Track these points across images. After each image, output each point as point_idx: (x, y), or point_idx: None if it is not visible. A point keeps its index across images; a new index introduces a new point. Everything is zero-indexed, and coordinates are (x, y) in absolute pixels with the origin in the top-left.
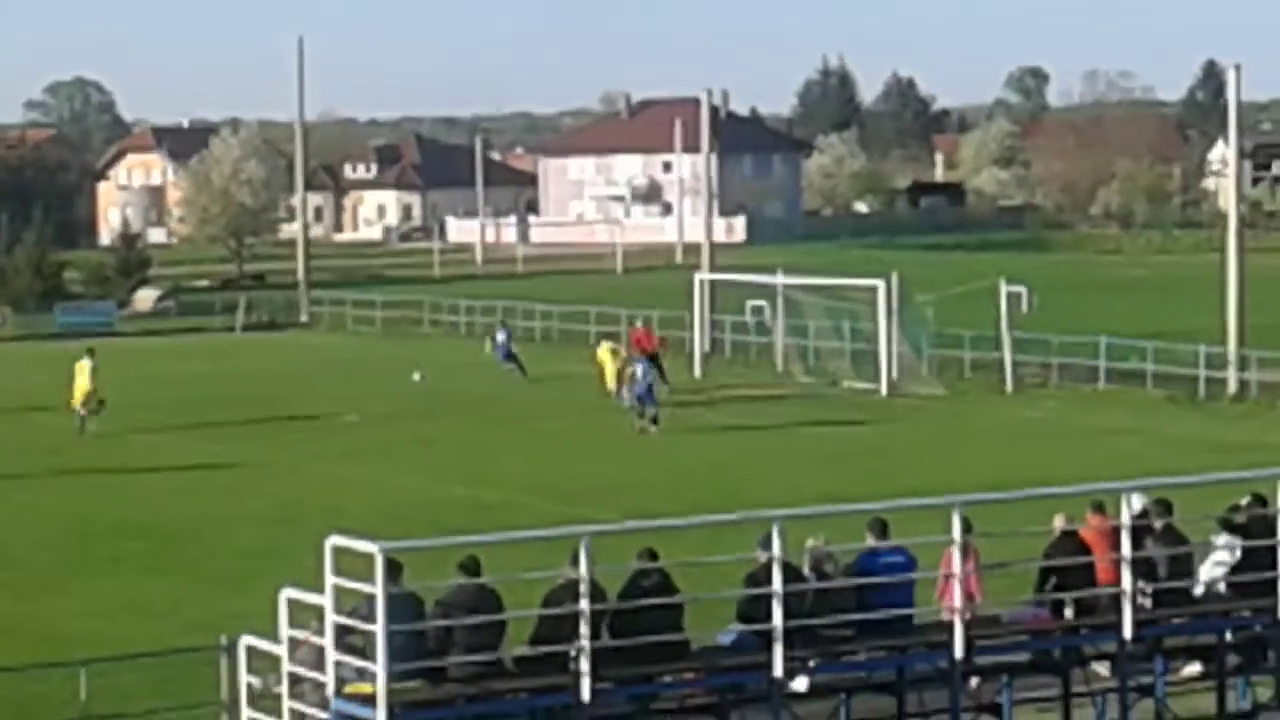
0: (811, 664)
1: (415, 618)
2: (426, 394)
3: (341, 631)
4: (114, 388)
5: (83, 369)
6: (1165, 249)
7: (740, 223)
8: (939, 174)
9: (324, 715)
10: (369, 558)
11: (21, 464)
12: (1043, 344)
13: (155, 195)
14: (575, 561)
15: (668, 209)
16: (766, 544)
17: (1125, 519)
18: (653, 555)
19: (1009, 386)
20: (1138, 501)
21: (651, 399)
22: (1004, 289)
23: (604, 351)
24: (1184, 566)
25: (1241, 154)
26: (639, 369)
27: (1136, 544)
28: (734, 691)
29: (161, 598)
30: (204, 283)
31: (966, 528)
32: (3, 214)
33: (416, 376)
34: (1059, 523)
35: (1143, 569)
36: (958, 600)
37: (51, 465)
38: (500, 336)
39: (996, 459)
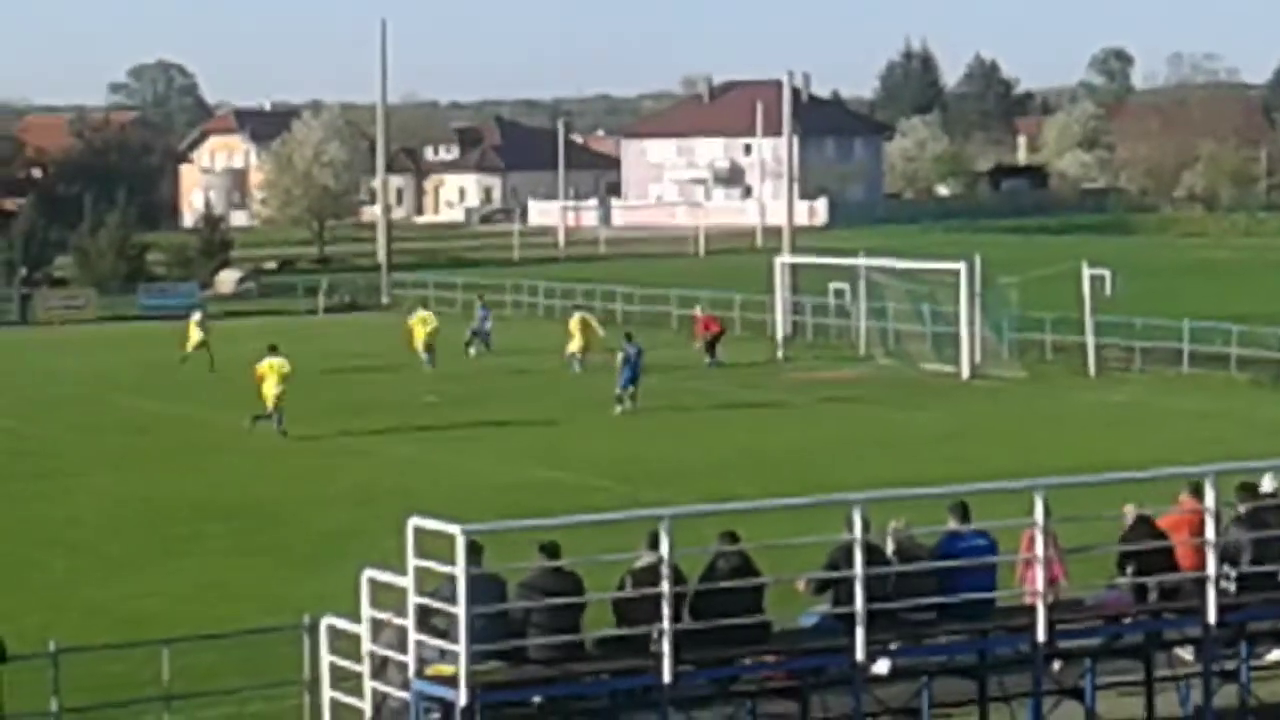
0: (893, 647)
1: (496, 599)
2: (507, 376)
3: (423, 613)
4: (194, 370)
5: (272, 368)
6: (1250, 231)
7: (821, 205)
8: (1021, 157)
9: (405, 695)
10: (450, 539)
11: (103, 446)
12: (1126, 327)
13: (237, 178)
14: (653, 544)
15: (748, 192)
16: (849, 526)
17: (1211, 502)
18: (733, 537)
19: (1092, 370)
20: (1269, 482)
21: (634, 383)
22: (1087, 272)
23: (576, 322)
24: (1270, 551)
25: None
26: (631, 352)
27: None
28: (815, 674)
29: (242, 578)
30: (271, 265)
31: (1047, 511)
32: (87, 196)
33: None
34: (1129, 511)
35: (1229, 553)
36: (1040, 584)
37: (133, 447)
38: (480, 315)
39: (1078, 442)
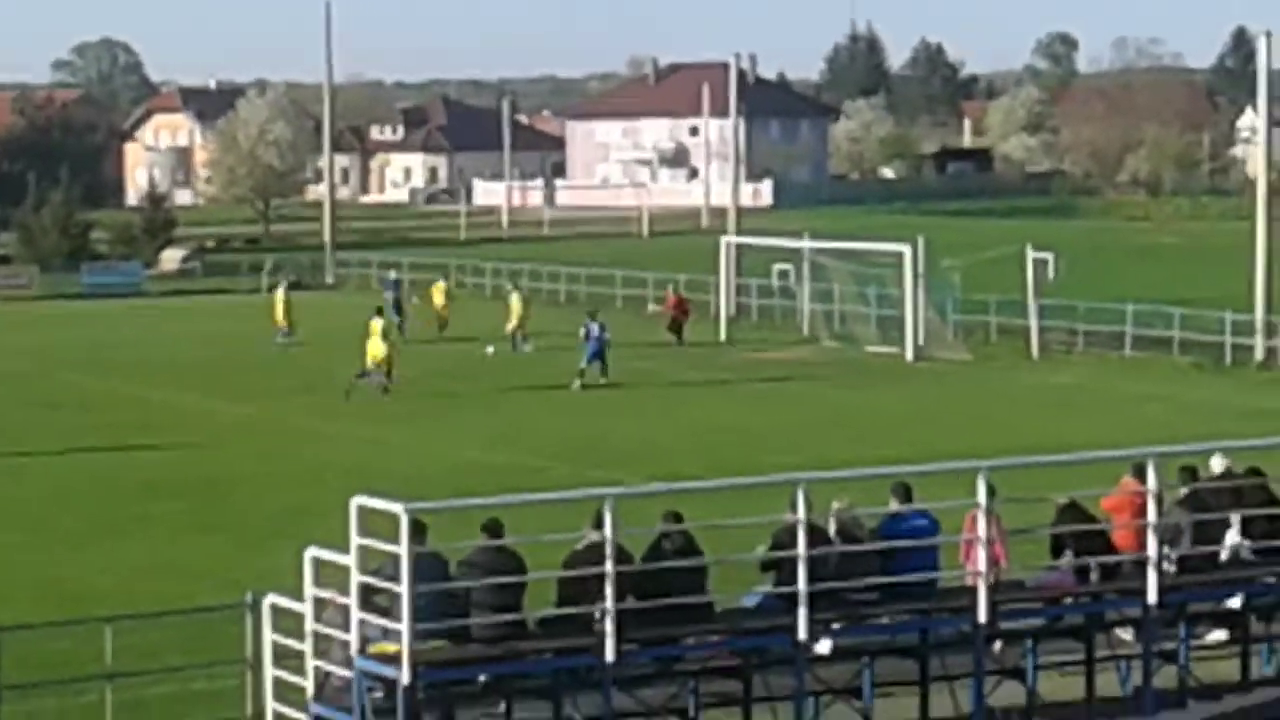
0: (835, 627)
1: (439, 578)
2: (451, 358)
3: (366, 591)
4: (140, 348)
5: (375, 330)
6: (1193, 216)
7: (767, 187)
8: (967, 140)
9: (348, 674)
10: (394, 518)
11: (52, 423)
12: (1069, 310)
13: (182, 156)
14: (598, 524)
15: (694, 173)
16: (793, 506)
17: (1152, 485)
18: (677, 517)
19: (1035, 352)
20: (1219, 463)
21: (600, 360)
22: (1030, 255)
23: (516, 299)
24: (1209, 533)
25: (1271, 121)
26: (594, 329)
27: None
28: (757, 654)
29: (192, 556)
30: (210, 243)
31: (990, 492)
32: (30, 174)
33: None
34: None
35: (1170, 535)
36: (982, 564)
37: (81, 424)
38: (389, 294)
39: (1022, 424)
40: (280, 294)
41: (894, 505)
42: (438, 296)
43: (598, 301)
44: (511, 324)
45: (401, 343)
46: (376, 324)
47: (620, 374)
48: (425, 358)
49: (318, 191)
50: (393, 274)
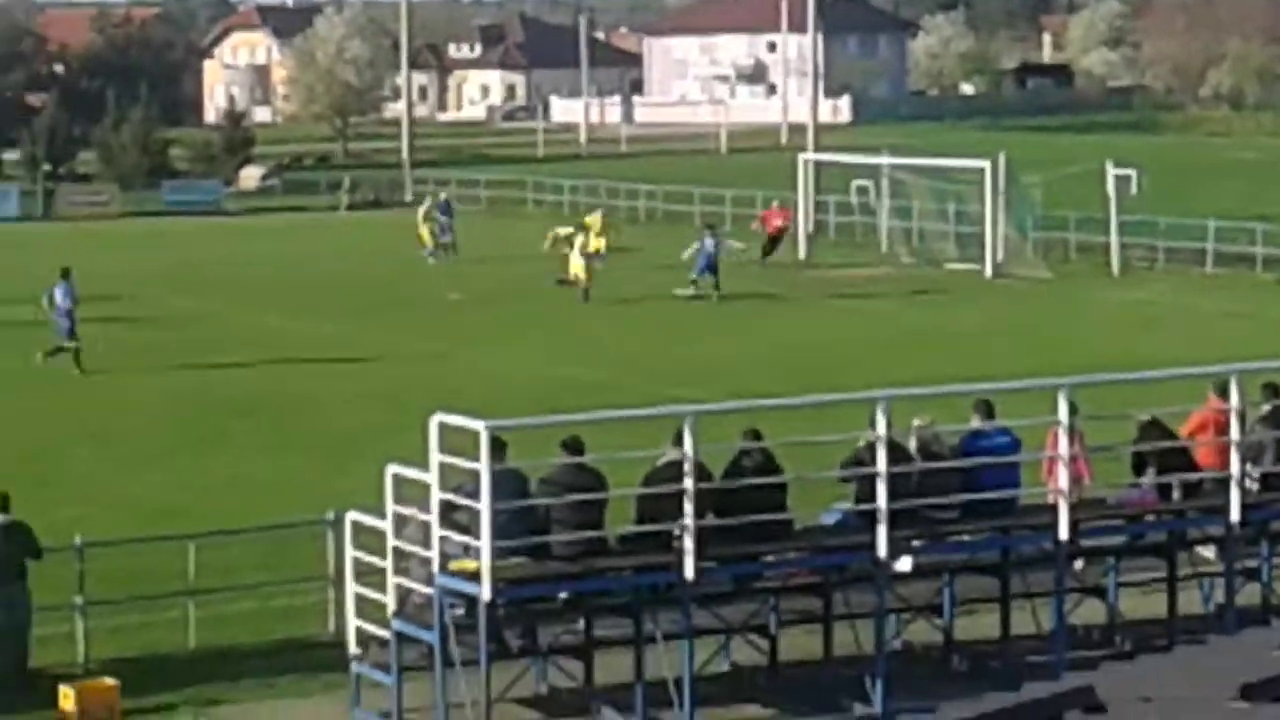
0: (916, 544)
1: (519, 495)
2: (530, 275)
3: (446, 508)
4: (221, 267)
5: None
6: (1276, 131)
7: (845, 104)
8: (1047, 55)
9: (428, 591)
10: (474, 435)
11: (133, 342)
12: (1150, 226)
13: (260, 74)
14: (678, 441)
15: (772, 89)
16: (872, 424)
17: (1236, 402)
18: (756, 435)
19: (1115, 269)
20: None
21: (712, 272)
22: (1111, 171)
23: (597, 220)
24: None
25: None
26: (709, 243)
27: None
28: (837, 571)
29: (269, 474)
30: (286, 161)
31: (1072, 410)
32: (109, 92)
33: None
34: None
35: (1253, 452)
36: (1063, 482)
37: (162, 343)
38: (442, 217)
39: (1103, 342)
40: (422, 212)
41: (975, 422)
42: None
43: (675, 219)
44: (596, 245)
45: (455, 262)
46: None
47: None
48: (504, 275)
49: (395, 109)
50: (443, 196)
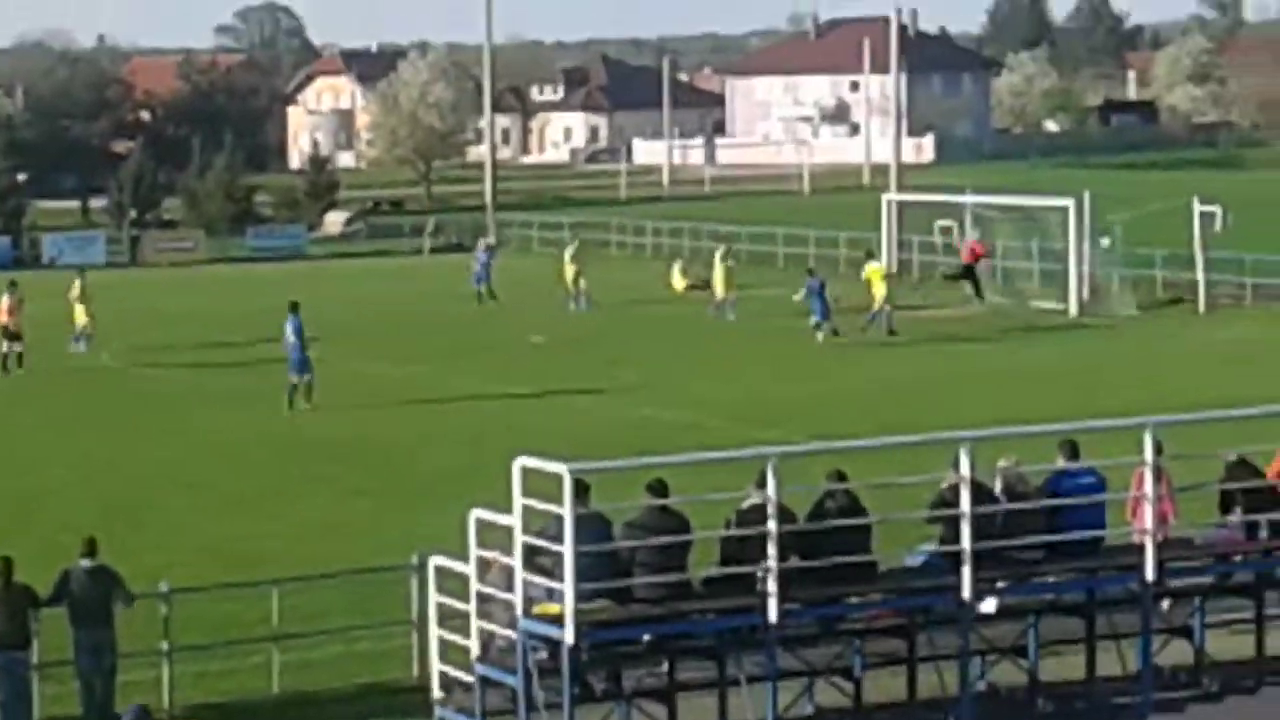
0: (1000, 585)
1: (603, 538)
2: (612, 317)
3: (530, 552)
4: (305, 311)
5: (875, 272)
6: None
7: (929, 142)
8: (1131, 92)
9: (512, 635)
10: (557, 478)
11: (218, 386)
12: (1237, 263)
13: (344, 119)
14: (761, 483)
15: (855, 129)
16: (956, 465)
17: None
18: (841, 476)
19: (1202, 306)
20: None
21: (826, 315)
22: (1197, 208)
23: (722, 267)
24: None
25: None
26: (814, 285)
27: None
28: (922, 613)
29: (355, 518)
30: (369, 205)
31: (1158, 449)
32: (195, 139)
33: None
34: None
35: None
36: (1149, 522)
37: (247, 387)
38: (481, 256)
39: (1189, 380)
40: (569, 255)
41: (1061, 462)
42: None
43: (760, 260)
44: (722, 292)
45: (495, 306)
46: (873, 266)
47: (784, 333)
48: (587, 319)
49: (478, 152)
50: (483, 243)
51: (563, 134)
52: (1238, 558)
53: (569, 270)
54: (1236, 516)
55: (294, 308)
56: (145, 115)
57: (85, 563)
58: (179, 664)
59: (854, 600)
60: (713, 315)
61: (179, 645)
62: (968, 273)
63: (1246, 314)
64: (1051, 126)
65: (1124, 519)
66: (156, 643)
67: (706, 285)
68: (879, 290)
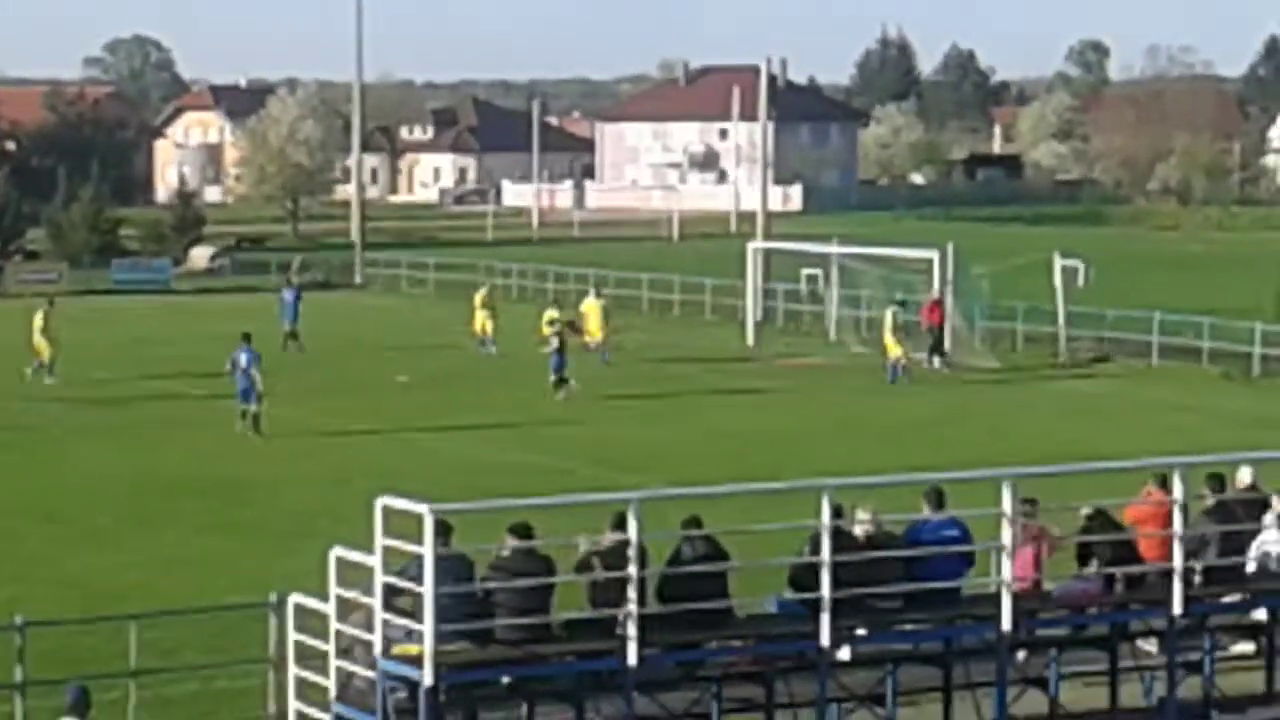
0: (859, 633)
1: (464, 580)
2: (479, 358)
3: (390, 592)
4: (168, 346)
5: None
6: (1223, 225)
7: (796, 191)
8: (997, 146)
9: (371, 675)
10: (419, 518)
11: (80, 420)
12: (1098, 318)
13: (212, 153)
14: (618, 525)
15: (724, 176)
16: (819, 513)
17: (1178, 494)
18: (697, 523)
19: (1062, 359)
20: (1248, 474)
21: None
22: (1059, 263)
23: (596, 307)
24: (1236, 543)
25: None
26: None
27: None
28: (780, 659)
29: (215, 555)
30: (235, 241)
31: (1032, 501)
32: (60, 169)
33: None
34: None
35: (1196, 546)
36: (1006, 573)
37: (109, 422)
38: (287, 294)
39: (1049, 432)
40: (478, 299)
41: (926, 512)
42: (592, 316)
43: (626, 304)
44: (596, 333)
45: (300, 353)
46: (590, 302)
47: (649, 379)
48: (453, 359)
49: (346, 191)
50: (289, 279)
51: (432, 174)
52: (1093, 610)
53: (479, 315)
54: (1094, 569)
55: (247, 338)
56: (10, 145)
57: None
58: (34, 698)
59: (713, 645)
60: (597, 355)
61: (33, 679)
62: (938, 338)
63: (1106, 369)
64: (918, 179)
65: (989, 570)
66: (10, 676)
67: (577, 329)
68: (594, 326)
